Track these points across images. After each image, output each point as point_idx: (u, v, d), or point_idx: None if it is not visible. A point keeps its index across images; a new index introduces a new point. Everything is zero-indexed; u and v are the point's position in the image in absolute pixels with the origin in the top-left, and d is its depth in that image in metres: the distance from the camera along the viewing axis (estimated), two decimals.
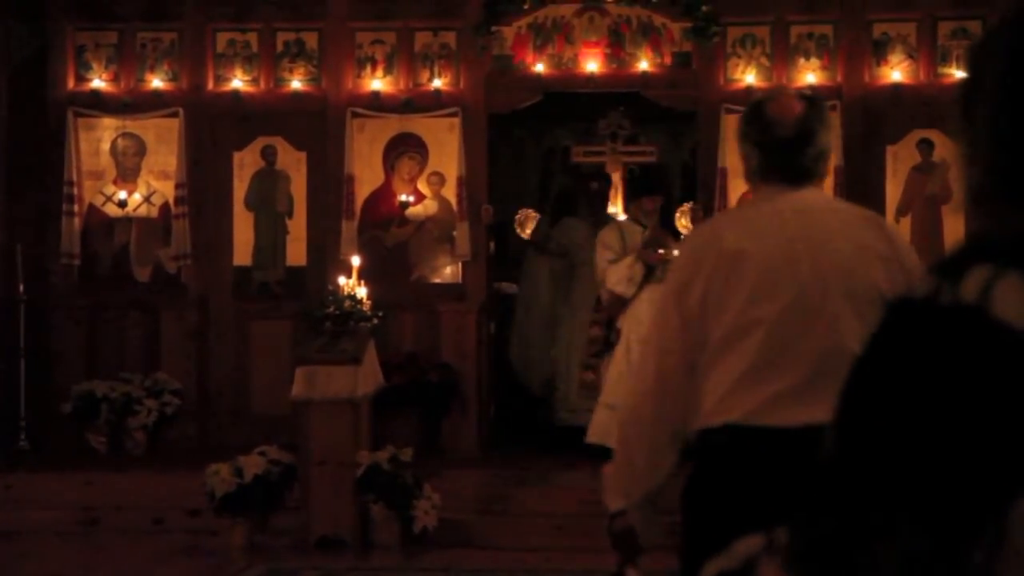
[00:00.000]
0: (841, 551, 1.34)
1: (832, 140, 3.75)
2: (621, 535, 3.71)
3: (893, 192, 10.86)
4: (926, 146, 10.72)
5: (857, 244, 3.61)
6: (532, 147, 15.97)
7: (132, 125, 11.32)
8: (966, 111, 1.49)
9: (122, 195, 11.22)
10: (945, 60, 10.75)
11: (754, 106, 3.78)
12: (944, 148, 10.61)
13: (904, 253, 3.68)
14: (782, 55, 10.97)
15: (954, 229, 10.42)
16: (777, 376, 3.48)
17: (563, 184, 13.27)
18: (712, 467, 3.57)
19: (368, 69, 11.19)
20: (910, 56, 10.89)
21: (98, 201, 11.31)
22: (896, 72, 10.86)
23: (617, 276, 9.62)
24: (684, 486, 3.63)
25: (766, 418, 3.47)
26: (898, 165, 10.88)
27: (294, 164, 11.28)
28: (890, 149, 10.90)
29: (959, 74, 10.05)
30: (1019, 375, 1.28)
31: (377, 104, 11.11)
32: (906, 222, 10.77)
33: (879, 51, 10.92)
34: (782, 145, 3.67)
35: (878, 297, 3.51)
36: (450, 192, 11.09)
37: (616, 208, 12.10)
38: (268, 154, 11.27)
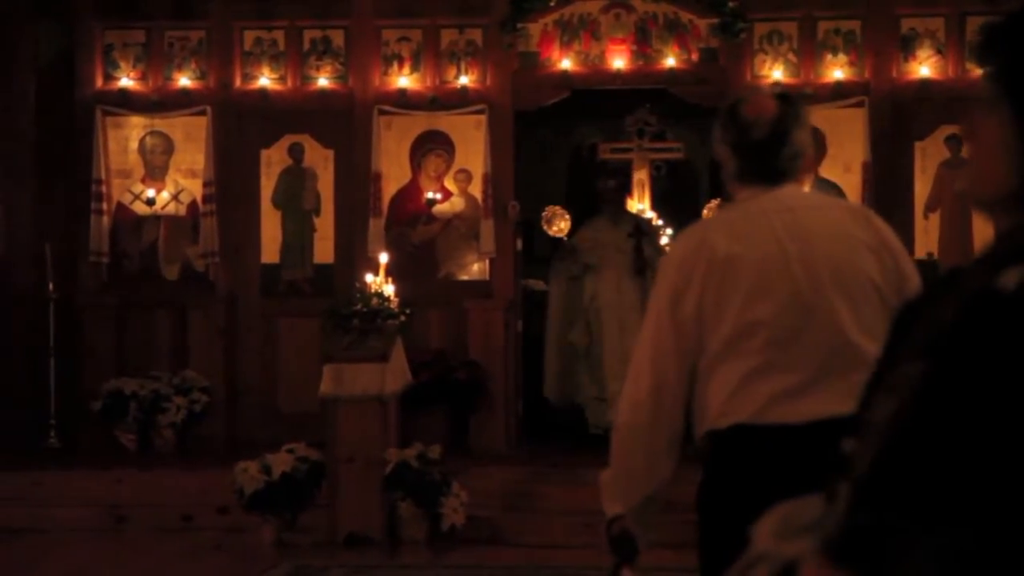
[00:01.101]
0: (892, 541, 1.31)
1: (809, 137, 3.71)
2: (618, 539, 3.71)
3: (922, 189, 10.82)
4: (955, 142, 10.66)
5: (845, 237, 3.61)
6: (559, 144, 15.97)
7: (160, 123, 11.35)
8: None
9: (150, 193, 11.25)
10: (973, 55, 10.67)
11: (729, 109, 3.75)
12: None
13: (891, 241, 3.68)
14: (809, 51, 10.93)
15: (984, 225, 10.36)
16: (780, 375, 3.50)
17: (579, 185, 13.10)
18: (722, 468, 3.59)
19: (395, 66, 11.19)
20: (938, 52, 10.84)
21: (126, 199, 11.35)
22: (924, 68, 10.81)
23: None
24: (697, 488, 3.65)
25: (772, 416, 3.49)
26: (927, 161, 10.83)
27: (321, 162, 11.29)
28: (918, 145, 10.85)
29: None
30: None
31: (404, 101, 11.12)
32: (935, 218, 10.74)
33: (907, 47, 10.87)
34: (757, 147, 3.65)
35: (871, 288, 3.56)
36: (477, 189, 11.08)
37: (644, 204, 12.09)
38: (295, 152, 11.29)
